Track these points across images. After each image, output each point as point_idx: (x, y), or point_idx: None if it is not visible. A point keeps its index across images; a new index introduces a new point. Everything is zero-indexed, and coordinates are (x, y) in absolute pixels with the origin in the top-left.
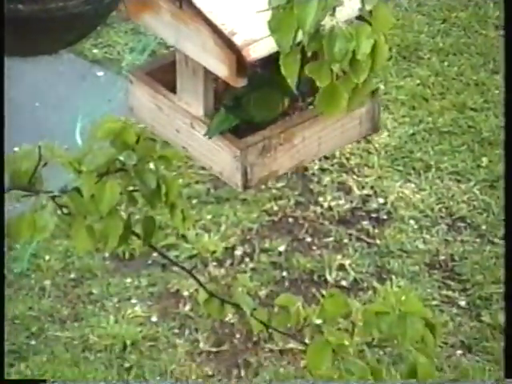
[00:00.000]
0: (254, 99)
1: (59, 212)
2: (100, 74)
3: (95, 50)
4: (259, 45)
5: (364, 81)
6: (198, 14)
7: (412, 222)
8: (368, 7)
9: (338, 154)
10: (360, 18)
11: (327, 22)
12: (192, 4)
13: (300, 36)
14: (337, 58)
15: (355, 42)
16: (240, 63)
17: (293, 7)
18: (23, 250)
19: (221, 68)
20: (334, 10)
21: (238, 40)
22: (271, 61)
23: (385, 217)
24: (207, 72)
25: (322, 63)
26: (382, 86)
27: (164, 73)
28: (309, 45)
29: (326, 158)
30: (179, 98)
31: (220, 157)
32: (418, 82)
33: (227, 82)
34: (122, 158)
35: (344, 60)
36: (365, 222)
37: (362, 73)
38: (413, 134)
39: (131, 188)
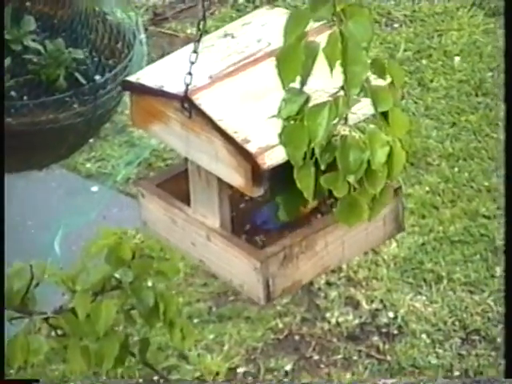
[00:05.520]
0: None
1: (53, 334)
2: (94, 189)
3: (88, 165)
4: (275, 151)
5: (381, 190)
6: (209, 122)
7: (424, 336)
8: (381, 109)
9: (345, 267)
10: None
11: (339, 131)
12: (202, 113)
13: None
14: (351, 169)
15: (369, 151)
16: (255, 172)
17: (303, 119)
18: None
19: (235, 178)
20: (346, 118)
21: (251, 148)
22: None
23: (395, 332)
24: (221, 182)
25: (337, 174)
26: None
27: (176, 184)
28: (322, 157)
29: (333, 271)
30: (194, 210)
31: (239, 269)
32: (428, 189)
33: (242, 191)
34: (117, 276)
35: (359, 171)
36: (375, 338)
37: (378, 183)
38: (423, 244)
39: (128, 307)
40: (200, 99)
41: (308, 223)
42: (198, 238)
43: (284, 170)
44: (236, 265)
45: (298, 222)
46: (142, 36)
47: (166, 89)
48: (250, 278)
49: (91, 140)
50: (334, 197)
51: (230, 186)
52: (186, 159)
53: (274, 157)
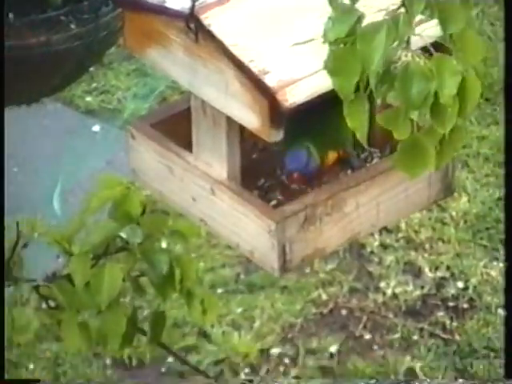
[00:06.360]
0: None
1: (45, 306)
2: (95, 128)
3: (89, 98)
4: (299, 86)
5: (452, 130)
6: (220, 48)
7: (501, 311)
8: (450, 31)
9: (403, 225)
10: (436, 45)
11: (400, 57)
12: (211, 36)
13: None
14: (415, 103)
15: (437, 80)
16: (274, 110)
17: (355, 42)
18: None
19: (249, 117)
20: (408, 41)
21: (271, 81)
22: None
23: (466, 306)
24: (231, 122)
25: (397, 111)
26: None
27: (175, 124)
28: (377, 89)
29: (389, 231)
30: (196, 156)
31: (250, 232)
32: None
33: (257, 135)
34: (124, 235)
35: (424, 105)
36: (440, 313)
37: (448, 120)
38: (499, 199)
39: (137, 273)
40: (209, 19)
41: (336, 179)
42: (200, 191)
43: (306, 112)
44: (246, 226)
45: (323, 177)
46: None
47: (167, 4)
48: (263, 243)
49: (92, 68)
50: (368, 149)
51: (241, 130)
52: (190, 94)
53: (297, 93)
